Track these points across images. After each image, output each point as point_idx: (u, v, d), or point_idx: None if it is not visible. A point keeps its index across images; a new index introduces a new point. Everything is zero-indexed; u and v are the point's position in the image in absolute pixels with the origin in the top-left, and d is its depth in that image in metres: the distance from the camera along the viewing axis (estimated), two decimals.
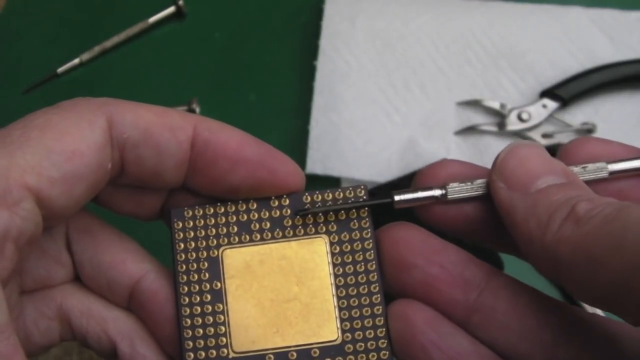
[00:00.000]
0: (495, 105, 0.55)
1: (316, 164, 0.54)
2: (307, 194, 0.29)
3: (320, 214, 0.28)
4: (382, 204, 0.28)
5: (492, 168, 0.27)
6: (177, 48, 0.61)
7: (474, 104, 0.55)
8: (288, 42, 0.60)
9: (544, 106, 0.54)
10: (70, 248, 0.29)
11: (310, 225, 0.28)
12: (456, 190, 0.27)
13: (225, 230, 0.28)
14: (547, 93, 0.54)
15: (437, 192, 0.27)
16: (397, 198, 0.27)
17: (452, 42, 0.57)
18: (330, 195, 0.29)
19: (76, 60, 0.59)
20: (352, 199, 0.28)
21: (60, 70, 0.59)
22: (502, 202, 0.26)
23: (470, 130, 0.54)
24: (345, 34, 0.57)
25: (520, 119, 0.54)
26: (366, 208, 0.28)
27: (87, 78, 0.59)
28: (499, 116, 0.55)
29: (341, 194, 0.28)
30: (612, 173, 0.27)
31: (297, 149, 0.55)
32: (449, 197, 0.27)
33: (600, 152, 0.27)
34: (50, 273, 0.29)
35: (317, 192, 0.28)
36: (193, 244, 0.28)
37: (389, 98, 0.56)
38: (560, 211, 0.24)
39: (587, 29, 0.56)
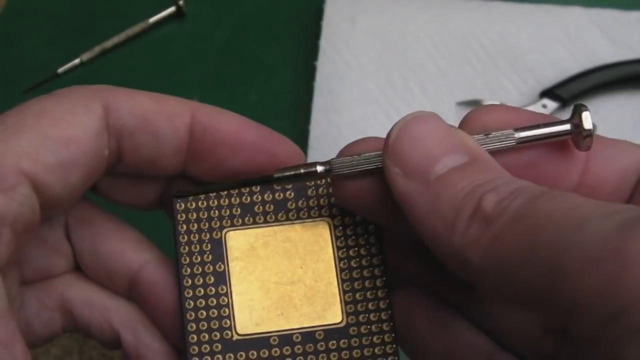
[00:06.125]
0: None
1: None
2: None
3: (325, 198, 0.28)
4: (263, 181, 0.27)
5: (384, 150, 0.24)
6: (177, 48, 0.61)
7: (474, 104, 0.55)
8: (288, 42, 0.60)
9: (544, 106, 0.54)
10: (70, 237, 0.29)
11: (315, 209, 0.28)
12: (339, 165, 0.25)
13: (228, 212, 0.28)
14: (547, 93, 0.54)
15: (320, 168, 0.26)
16: (276, 175, 0.26)
17: (452, 42, 0.57)
18: None
19: (76, 60, 0.59)
20: None
21: (60, 70, 0.59)
22: (401, 194, 0.23)
23: None
24: (345, 34, 0.57)
25: None
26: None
27: (87, 78, 0.59)
28: None
29: None
30: (521, 142, 0.24)
31: None
32: (333, 172, 0.26)
33: (507, 120, 0.25)
34: (50, 263, 0.29)
35: None
36: (196, 226, 0.28)
37: (389, 98, 0.55)
38: (465, 208, 0.21)
39: (587, 29, 0.56)
